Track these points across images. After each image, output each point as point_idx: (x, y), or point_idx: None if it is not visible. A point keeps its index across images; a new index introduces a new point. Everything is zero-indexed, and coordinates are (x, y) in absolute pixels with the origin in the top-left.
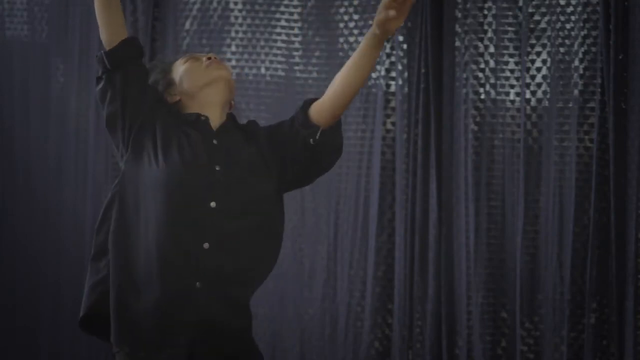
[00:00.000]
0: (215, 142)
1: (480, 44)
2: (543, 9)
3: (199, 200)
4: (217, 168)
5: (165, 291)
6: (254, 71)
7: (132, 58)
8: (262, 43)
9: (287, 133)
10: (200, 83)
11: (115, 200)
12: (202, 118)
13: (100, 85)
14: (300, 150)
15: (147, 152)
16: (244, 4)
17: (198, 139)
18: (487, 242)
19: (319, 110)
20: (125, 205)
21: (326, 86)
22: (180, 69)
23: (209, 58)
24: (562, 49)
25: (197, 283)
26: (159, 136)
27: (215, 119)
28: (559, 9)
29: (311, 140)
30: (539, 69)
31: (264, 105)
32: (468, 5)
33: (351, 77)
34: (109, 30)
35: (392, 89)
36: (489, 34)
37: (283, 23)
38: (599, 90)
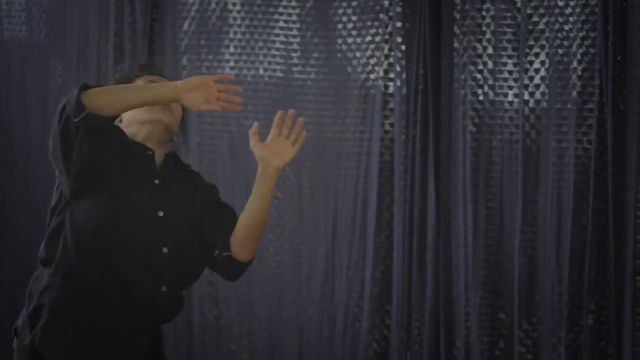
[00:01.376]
0: (157, 182)
1: (478, 45)
2: (541, 10)
3: (154, 246)
4: (160, 214)
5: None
6: (252, 72)
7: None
8: (261, 44)
9: (209, 222)
10: (139, 118)
11: (64, 225)
12: (149, 153)
13: (68, 136)
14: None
15: (95, 191)
16: (242, 5)
17: (141, 181)
18: (485, 243)
19: (232, 241)
20: (74, 240)
21: (324, 87)
22: None
23: None
24: (560, 50)
25: (160, 320)
26: (105, 177)
27: (158, 153)
28: (557, 10)
29: (216, 252)
30: (537, 70)
31: (262, 106)
32: (466, 7)
33: (249, 225)
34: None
35: (391, 90)
36: (488, 35)
37: (281, 24)
38: (597, 91)
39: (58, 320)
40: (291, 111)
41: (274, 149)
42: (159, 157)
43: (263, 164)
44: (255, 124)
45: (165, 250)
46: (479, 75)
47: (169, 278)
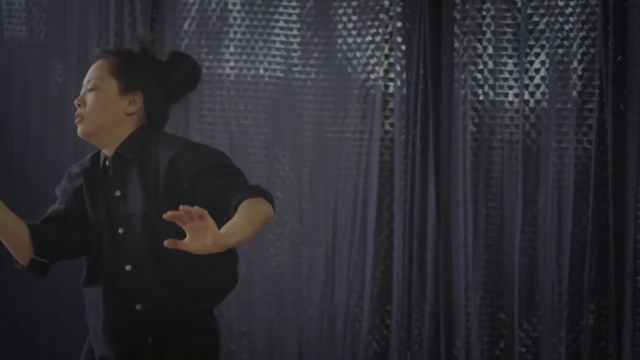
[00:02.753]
0: (118, 193)
1: (478, 45)
2: (542, 10)
3: (115, 266)
4: (120, 231)
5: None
6: (253, 72)
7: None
8: (261, 44)
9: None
10: None
11: None
12: (106, 164)
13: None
14: None
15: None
16: (242, 5)
17: (102, 203)
18: (485, 243)
19: None
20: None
21: (324, 87)
22: None
23: (76, 107)
24: (560, 50)
25: (149, 338)
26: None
27: (111, 159)
28: (557, 10)
29: None
30: (537, 70)
31: (263, 106)
32: (467, 7)
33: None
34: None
35: (391, 90)
36: (488, 35)
37: (282, 24)
38: (598, 91)
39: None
40: (169, 214)
41: (197, 238)
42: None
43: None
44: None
45: (127, 267)
46: (479, 75)
47: (139, 296)
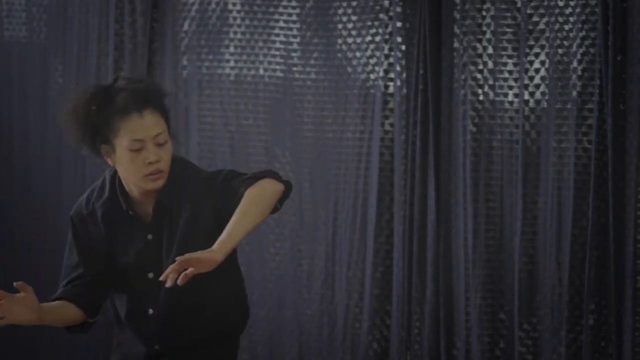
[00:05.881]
0: (150, 237)
1: (478, 45)
2: (541, 10)
3: (139, 309)
4: (150, 275)
5: None
6: (252, 72)
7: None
8: (261, 44)
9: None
10: (132, 181)
11: None
12: (130, 213)
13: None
14: None
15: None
16: (242, 5)
17: (130, 248)
18: (485, 243)
19: None
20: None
21: (324, 87)
22: (122, 144)
23: (152, 162)
24: (560, 50)
25: None
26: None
27: (149, 206)
28: (557, 10)
29: None
30: (537, 70)
31: (262, 106)
32: (466, 7)
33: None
34: None
35: (391, 90)
36: (488, 35)
37: (282, 24)
38: (598, 91)
39: None
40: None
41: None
42: (148, 208)
43: None
44: None
45: (150, 311)
46: (479, 75)
47: (157, 339)
